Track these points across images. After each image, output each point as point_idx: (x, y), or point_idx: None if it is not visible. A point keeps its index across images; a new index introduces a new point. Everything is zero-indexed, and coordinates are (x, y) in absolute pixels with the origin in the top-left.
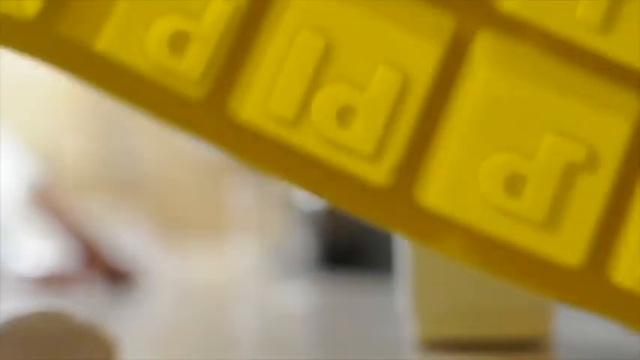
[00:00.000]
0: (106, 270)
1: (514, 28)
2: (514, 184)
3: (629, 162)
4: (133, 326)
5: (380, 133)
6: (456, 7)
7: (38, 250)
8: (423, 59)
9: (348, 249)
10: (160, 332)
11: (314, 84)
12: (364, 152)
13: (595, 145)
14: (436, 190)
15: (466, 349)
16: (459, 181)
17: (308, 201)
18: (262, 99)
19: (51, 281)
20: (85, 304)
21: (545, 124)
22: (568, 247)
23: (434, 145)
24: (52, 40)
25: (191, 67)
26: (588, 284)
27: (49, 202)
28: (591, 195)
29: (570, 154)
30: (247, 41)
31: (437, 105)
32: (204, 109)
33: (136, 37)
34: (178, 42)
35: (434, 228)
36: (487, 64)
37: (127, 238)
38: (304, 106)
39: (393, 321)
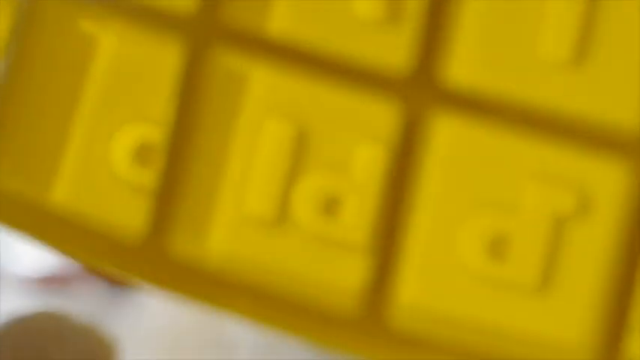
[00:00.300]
0: (106, 270)
1: (470, 102)
2: (498, 247)
3: (627, 206)
4: (133, 326)
5: (371, 219)
6: (402, 89)
7: (38, 251)
8: (387, 134)
9: None
10: (160, 332)
11: (291, 177)
12: (355, 243)
13: (586, 190)
14: (413, 278)
15: None
16: (436, 257)
17: None
18: (236, 201)
19: (51, 281)
20: (85, 304)
21: (524, 173)
22: (566, 318)
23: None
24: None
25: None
26: None
27: None
28: (588, 250)
29: (558, 204)
30: (211, 142)
31: (401, 183)
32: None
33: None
34: (143, 155)
35: (412, 354)
36: (448, 124)
37: None
38: (284, 203)
39: None
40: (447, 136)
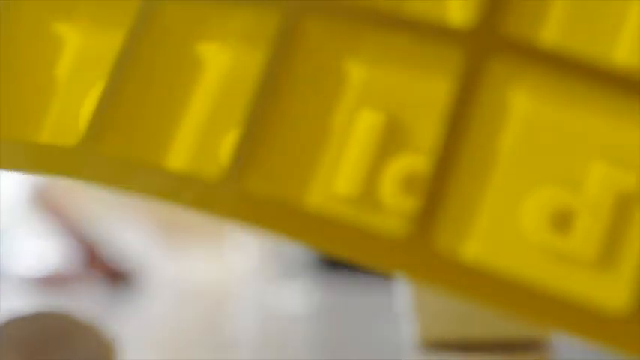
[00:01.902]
0: (106, 270)
1: (549, 59)
2: (562, 220)
3: None
4: (133, 326)
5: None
6: (464, 40)
7: (38, 250)
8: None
9: None
10: (160, 332)
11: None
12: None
13: None
14: (476, 242)
15: (466, 350)
16: (501, 225)
17: None
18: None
19: (51, 281)
20: (85, 304)
21: (592, 152)
22: (622, 290)
23: (475, 192)
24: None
25: None
26: None
27: (49, 202)
28: None
29: (622, 184)
30: None
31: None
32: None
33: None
34: None
35: (474, 282)
36: (523, 93)
37: (127, 238)
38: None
39: (393, 321)
40: (522, 109)
